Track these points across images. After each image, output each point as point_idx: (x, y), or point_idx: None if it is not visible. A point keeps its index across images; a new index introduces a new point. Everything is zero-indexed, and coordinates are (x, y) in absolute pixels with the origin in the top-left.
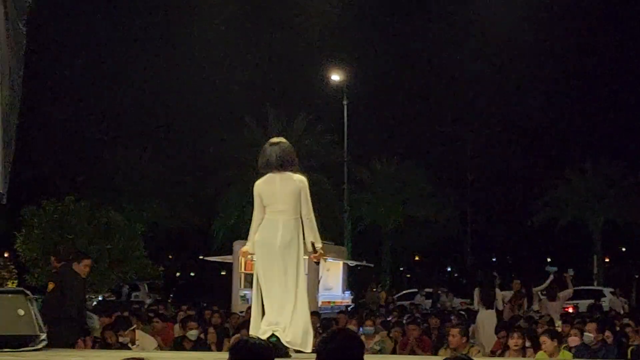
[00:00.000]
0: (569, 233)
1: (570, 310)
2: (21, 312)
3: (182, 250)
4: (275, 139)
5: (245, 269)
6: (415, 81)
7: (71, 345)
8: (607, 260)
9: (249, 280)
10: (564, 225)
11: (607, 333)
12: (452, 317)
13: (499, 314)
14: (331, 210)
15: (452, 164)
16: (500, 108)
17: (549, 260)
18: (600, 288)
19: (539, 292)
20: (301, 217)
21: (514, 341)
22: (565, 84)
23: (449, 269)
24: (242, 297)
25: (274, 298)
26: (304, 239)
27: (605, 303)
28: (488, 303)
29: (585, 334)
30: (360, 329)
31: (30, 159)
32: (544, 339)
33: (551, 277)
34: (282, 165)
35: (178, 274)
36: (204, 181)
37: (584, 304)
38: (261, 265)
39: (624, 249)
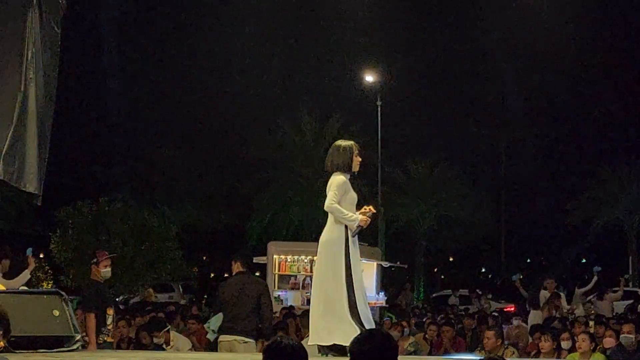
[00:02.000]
0: (604, 234)
1: None
2: (56, 312)
3: (216, 251)
4: (336, 142)
5: (279, 270)
6: (449, 82)
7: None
8: None
9: (283, 281)
10: (599, 226)
11: None
12: (489, 320)
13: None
14: None
15: (487, 165)
16: (534, 108)
17: (583, 261)
18: (635, 289)
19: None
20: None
21: (544, 343)
22: (599, 84)
23: (483, 270)
24: (275, 298)
25: (315, 300)
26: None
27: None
28: (534, 304)
29: (623, 335)
30: None
31: (65, 161)
32: (584, 337)
33: (595, 277)
34: (330, 168)
35: (212, 274)
36: (238, 182)
37: (618, 305)
38: (316, 264)
39: None
